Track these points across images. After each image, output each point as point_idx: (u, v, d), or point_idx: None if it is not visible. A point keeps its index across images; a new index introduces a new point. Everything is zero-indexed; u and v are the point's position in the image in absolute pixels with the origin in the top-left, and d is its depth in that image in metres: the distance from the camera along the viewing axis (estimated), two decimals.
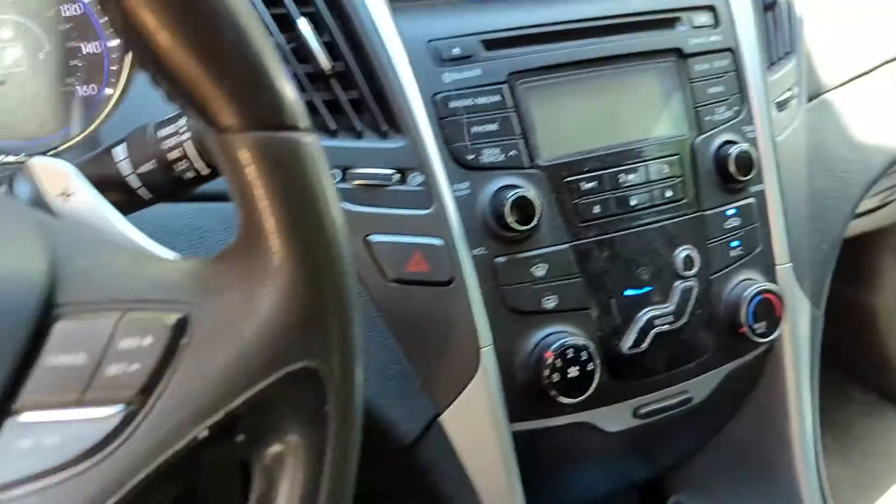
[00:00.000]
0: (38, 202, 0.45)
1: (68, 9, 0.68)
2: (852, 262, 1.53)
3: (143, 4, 0.32)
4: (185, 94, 0.34)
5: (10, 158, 0.63)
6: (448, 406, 0.63)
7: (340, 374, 0.36)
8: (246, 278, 0.35)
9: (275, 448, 0.36)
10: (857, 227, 1.14)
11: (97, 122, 0.65)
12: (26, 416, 0.33)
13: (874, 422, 1.51)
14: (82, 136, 0.64)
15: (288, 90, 0.35)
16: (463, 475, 0.64)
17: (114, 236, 0.42)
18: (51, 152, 0.65)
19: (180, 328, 0.34)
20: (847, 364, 1.56)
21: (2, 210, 0.40)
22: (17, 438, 0.33)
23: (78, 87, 0.68)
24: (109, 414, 0.33)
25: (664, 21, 0.71)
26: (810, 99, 0.81)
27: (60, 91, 0.66)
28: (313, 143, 0.36)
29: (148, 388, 0.33)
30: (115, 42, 0.68)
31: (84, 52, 0.68)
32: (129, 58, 0.65)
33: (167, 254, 0.40)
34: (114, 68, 0.68)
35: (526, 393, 0.64)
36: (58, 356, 0.33)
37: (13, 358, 0.33)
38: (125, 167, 0.48)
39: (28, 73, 0.67)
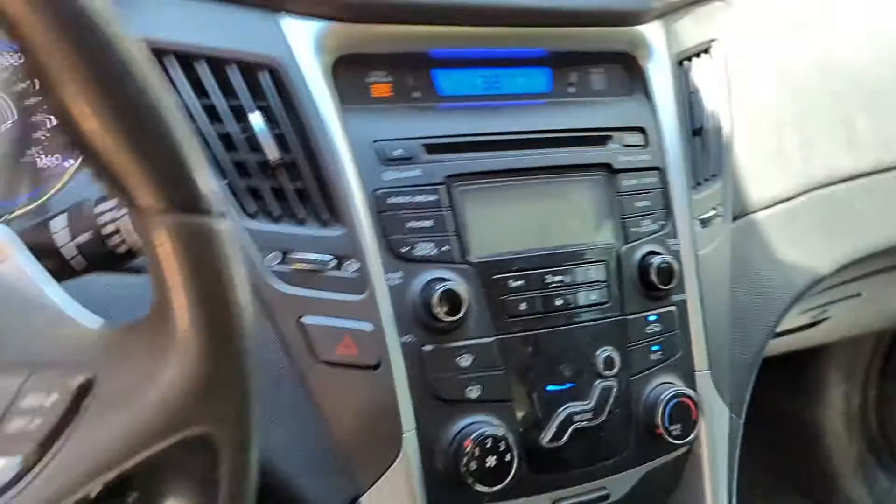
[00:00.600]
0: None
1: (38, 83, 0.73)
2: (798, 378, 1.57)
3: (75, 94, 0.36)
4: (110, 175, 0.38)
5: None
6: (368, 488, 0.65)
7: (235, 442, 0.39)
8: (152, 348, 0.38)
9: None
10: (793, 343, 1.18)
11: (51, 192, 0.69)
12: None
13: None
14: (34, 204, 0.68)
15: (204, 178, 0.39)
16: None
17: (40, 300, 0.45)
18: (4, 217, 0.68)
19: (84, 389, 0.37)
20: (790, 477, 1.58)
21: None
22: None
23: (38, 159, 0.72)
24: (5, 465, 0.36)
25: (597, 139, 0.77)
26: (736, 218, 0.86)
27: (20, 161, 0.70)
28: (224, 229, 0.39)
29: (46, 444, 0.36)
30: None
31: (48, 126, 0.73)
32: None
33: (88, 320, 0.42)
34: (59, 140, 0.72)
35: (445, 481, 0.66)
36: None
37: None
38: (63, 237, 0.51)
39: None
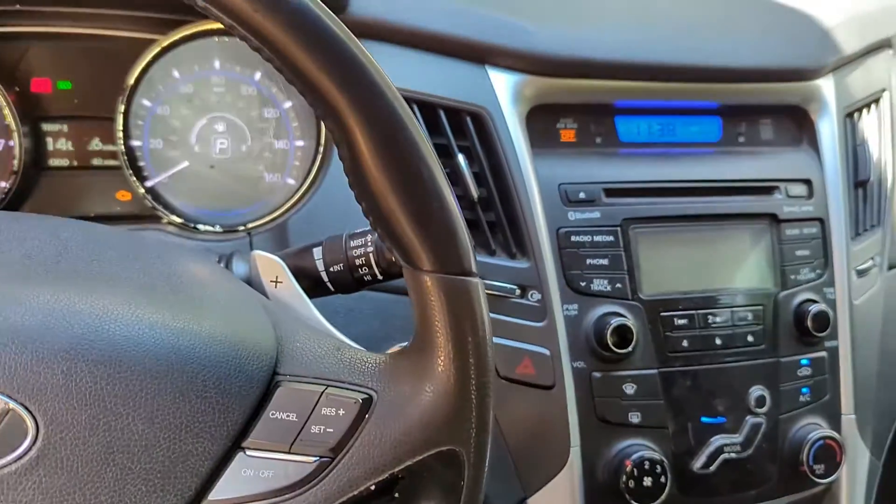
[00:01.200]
0: (252, 283, 0.59)
1: (268, 112, 0.85)
2: None
3: (378, 177, 0.45)
4: (395, 240, 0.47)
5: (217, 228, 0.79)
6: (535, 492, 0.73)
7: (475, 458, 0.48)
8: (416, 375, 0.47)
9: None
10: None
11: (283, 208, 0.80)
12: (251, 453, 0.46)
13: None
14: (273, 217, 0.80)
15: (467, 245, 0.48)
16: None
17: (311, 321, 0.55)
18: (241, 227, 0.80)
19: (366, 405, 0.47)
20: None
21: (237, 288, 0.54)
22: (243, 467, 0.45)
23: (266, 174, 0.84)
24: (309, 461, 0.46)
25: (763, 189, 0.82)
26: (892, 267, 0.89)
27: (254, 177, 0.82)
28: (479, 285, 0.48)
29: (338, 448, 0.46)
30: (300, 142, 0.84)
31: (275, 148, 0.85)
32: (318, 158, 0.81)
33: (352, 344, 0.52)
34: (296, 163, 0.84)
35: (603, 493, 0.74)
36: (277, 413, 0.46)
37: (247, 409, 0.46)
38: (319, 265, 0.62)
39: (232, 161, 0.83)
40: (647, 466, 0.72)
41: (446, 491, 0.48)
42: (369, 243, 0.61)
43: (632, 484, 0.72)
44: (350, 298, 0.75)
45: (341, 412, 0.46)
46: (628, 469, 0.72)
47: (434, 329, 0.47)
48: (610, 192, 0.77)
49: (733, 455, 0.77)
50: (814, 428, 0.79)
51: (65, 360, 0.42)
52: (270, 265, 0.59)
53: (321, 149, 0.82)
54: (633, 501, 0.72)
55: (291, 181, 0.84)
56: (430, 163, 0.46)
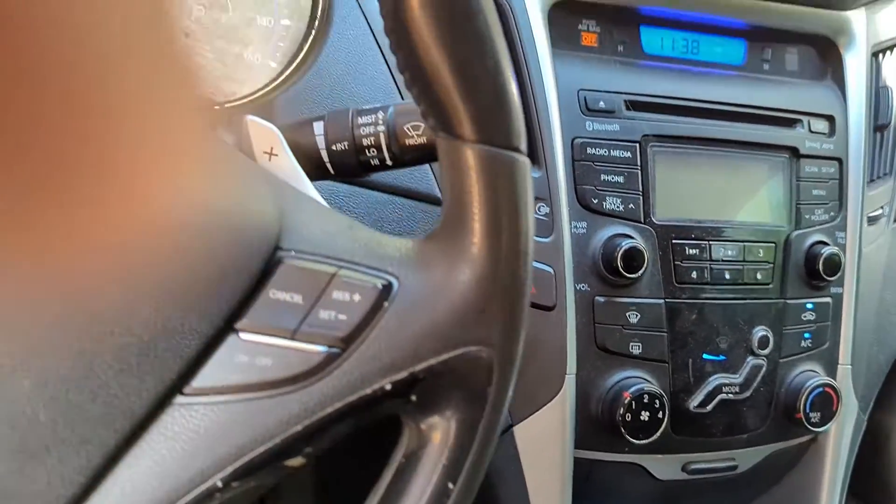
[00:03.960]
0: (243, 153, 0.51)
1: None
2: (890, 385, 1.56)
3: (422, 20, 0.38)
4: (435, 102, 0.39)
5: None
6: (523, 420, 0.68)
7: (504, 362, 0.41)
8: (446, 261, 0.40)
9: (436, 415, 0.41)
10: None
11: (268, 88, 0.71)
12: (246, 336, 0.38)
13: None
14: (253, 98, 0.70)
15: (519, 119, 0.40)
16: (521, 486, 0.69)
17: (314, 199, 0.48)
18: (216, 106, 0.71)
19: (385, 292, 0.40)
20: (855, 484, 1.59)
21: (229, 150, 0.45)
22: (236, 352, 0.38)
23: (245, 53, 0.75)
24: (315, 351, 0.38)
25: (786, 120, 0.77)
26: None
27: (233, 53, 0.73)
28: (526, 165, 0.41)
29: (350, 338, 0.39)
30: (286, 21, 0.74)
31: (258, 24, 0.75)
32: (309, 39, 0.71)
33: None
34: (280, 44, 0.74)
35: (596, 425, 0.69)
36: (278, 293, 0.39)
37: (243, 286, 0.38)
38: (320, 142, 0.54)
39: (208, 32, 0.73)
40: (645, 400, 0.67)
41: (470, 397, 0.41)
42: (380, 122, 0.53)
43: (629, 417, 0.67)
44: (337, 196, 0.68)
45: (356, 297, 0.39)
46: (626, 401, 0.67)
47: (470, 209, 0.40)
48: (631, 105, 0.71)
49: (730, 396, 0.73)
50: (812, 375, 0.75)
51: None
52: (265, 134, 0.51)
53: (313, 29, 0.73)
54: (627, 436, 0.67)
55: (273, 64, 0.74)
56: (488, 14, 0.39)
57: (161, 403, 0.36)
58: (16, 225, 0.25)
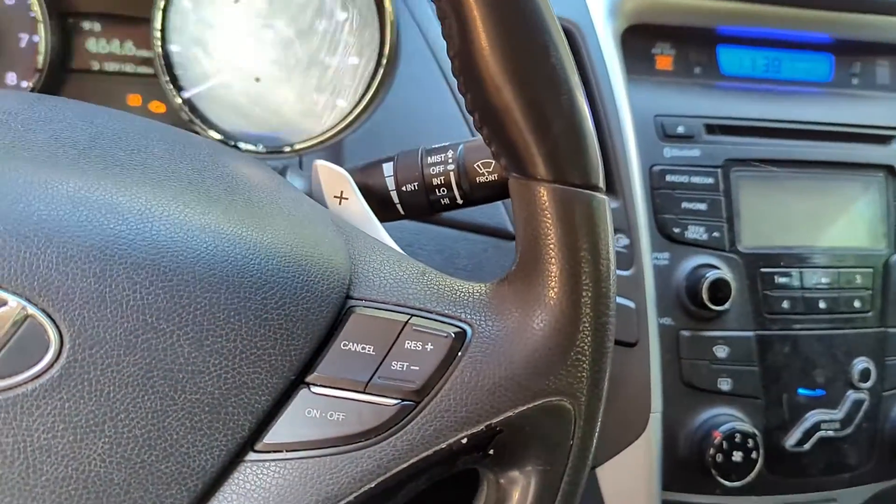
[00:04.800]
0: (313, 199, 0.50)
1: (321, 24, 0.75)
2: None
3: (491, 60, 0.36)
4: (507, 142, 0.38)
5: (261, 148, 0.71)
6: (606, 460, 0.65)
7: (587, 413, 0.39)
8: (522, 307, 0.39)
9: (515, 469, 0.39)
10: None
11: (337, 129, 0.71)
12: (317, 390, 0.37)
13: None
14: (323, 139, 0.71)
15: (595, 154, 0.39)
16: None
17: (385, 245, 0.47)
18: (287, 148, 0.72)
19: (460, 341, 0.38)
20: None
21: (301, 197, 0.45)
22: (308, 406, 0.37)
23: (315, 95, 0.75)
24: (388, 404, 0.37)
25: (879, 137, 0.73)
26: None
27: (302, 95, 0.73)
28: (605, 203, 0.39)
29: (424, 390, 0.37)
30: (354, 59, 0.74)
31: (327, 64, 0.75)
32: (377, 78, 0.71)
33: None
34: (348, 83, 0.75)
35: (684, 465, 0.66)
36: (350, 344, 0.38)
37: (314, 337, 0.37)
38: (390, 183, 0.53)
39: (279, 76, 0.74)
40: (737, 439, 0.64)
41: (551, 450, 0.39)
42: (450, 160, 0.52)
43: (719, 458, 0.63)
44: (409, 233, 0.67)
45: (429, 347, 0.38)
46: (716, 441, 0.63)
47: (546, 251, 0.38)
48: (711, 129, 0.68)
49: (830, 433, 0.68)
50: None
51: (98, 259, 0.34)
52: (335, 178, 0.50)
53: (381, 67, 0.72)
54: (719, 477, 0.64)
55: (342, 102, 0.74)
56: (560, 47, 0.37)
57: (233, 461, 0.36)
58: None
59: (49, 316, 0.33)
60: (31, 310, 0.33)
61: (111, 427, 0.33)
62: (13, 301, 0.32)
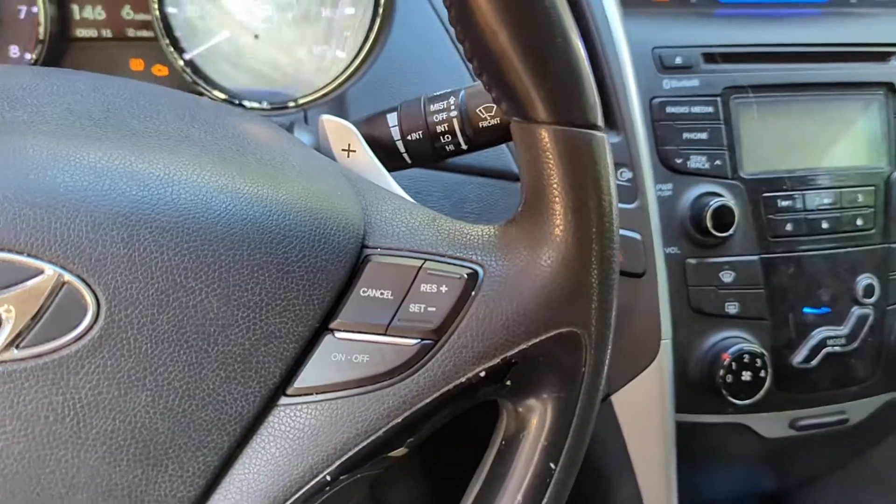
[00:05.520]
0: (322, 153, 0.52)
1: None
2: None
3: (486, 6, 0.37)
4: (506, 87, 0.39)
5: (265, 105, 0.72)
6: (621, 388, 0.68)
7: (598, 341, 0.41)
8: (529, 245, 0.40)
9: (532, 398, 0.42)
10: None
11: (338, 80, 0.72)
12: (341, 335, 0.39)
13: None
14: (326, 92, 0.72)
15: (593, 94, 0.40)
16: (624, 453, 0.69)
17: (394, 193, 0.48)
18: (291, 103, 0.73)
19: (472, 281, 0.40)
20: None
21: (310, 153, 0.46)
22: (333, 351, 0.39)
23: (314, 47, 0.76)
24: (409, 344, 0.39)
25: (878, 55, 0.73)
26: None
27: (302, 48, 0.74)
28: (604, 141, 0.41)
29: (441, 329, 0.39)
30: (350, 9, 0.75)
31: (323, 16, 0.76)
32: (374, 28, 0.72)
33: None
34: (347, 34, 0.75)
35: (696, 388, 0.68)
36: (369, 290, 0.40)
37: (334, 286, 0.39)
38: (395, 133, 0.54)
39: (277, 31, 0.74)
40: (746, 360, 0.66)
41: (565, 378, 0.41)
42: (452, 107, 0.53)
43: (729, 378, 0.66)
44: (417, 179, 0.68)
45: (444, 289, 0.40)
46: (726, 363, 0.66)
47: (550, 191, 0.40)
48: (709, 58, 0.68)
49: (837, 349, 0.70)
50: None
51: (125, 226, 0.35)
52: (341, 131, 0.51)
53: (378, 16, 0.73)
54: (729, 397, 0.66)
55: (342, 53, 0.75)
56: None
57: (267, 406, 0.38)
58: None
59: (84, 281, 0.35)
60: (68, 276, 0.34)
61: (152, 381, 0.35)
62: (50, 269, 0.34)
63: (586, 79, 0.39)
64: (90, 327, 0.35)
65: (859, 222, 0.71)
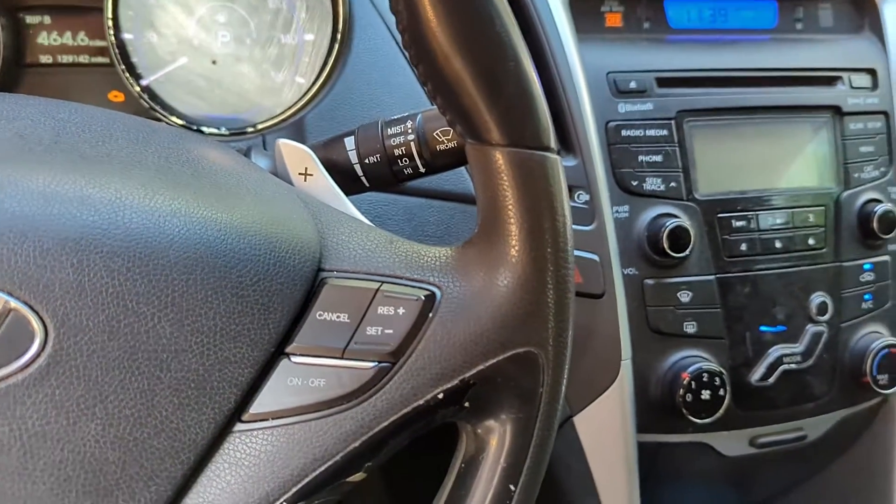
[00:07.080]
0: (279, 177, 0.52)
1: (273, 2, 0.76)
2: None
3: (439, 31, 0.38)
4: (460, 109, 0.39)
5: (224, 131, 0.71)
6: (582, 409, 0.68)
7: (555, 361, 0.41)
8: (486, 267, 0.41)
9: (491, 419, 0.42)
10: None
11: (297, 106, 0.72)
12: (297, 359, 0.39)
13: None
14: (285, 117, 0.71)
15: (545, 116, 0.40)
16: (587, 474, 0.69)
17: (352, 217, 0.48)
18: (249, 129, 0.72)
19: (430, 303, 0.40)
20: None
21: (266, 177, 0.46)
22: (289, 376, 0.39)
23: (273, 73, 0.76)
24: (366, 367, 0.39)
25: (825, 79, 0.75)
26: None
27: (260, 74, 0.74)
28: (557, 163, 0.41)
29: (399, 351, 0.39)
30: (309, 36, 0.75)
31: (282, 42, 0.76)
32: (332, 53, 0.72)
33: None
34: (305, 59, 0.75)
35: (657, 408, 0.68)
36: (325, 314, 0.40)
37: (290, 310, 0.39)
38: (352, 156, 0.54)
39: (236, 57, 0.74)
40: (705, 379, 0.67)
41: (523, 398, 0.41)
42: (410, 130, 0.53)
43: (689, 398, 0.66)
44: (378, 204, 0.68)
45: (401, 311, 0.40)
46: (685, 382, 0.66)
47: (505, 213, 0.40)
48: (662, 82, 0.70)
49: (793, 366, 0.72)
50: (877, 336, 0.73)
51: (74, 251, 0.35)
52: (298, 155, 0.51)
53: (336, 42, 0.73)
54: (690, 416, 0.67)
55: (301, 80, 0.75)
56: (504, 15, 0.39)
57: (222, 432, 0.37)
58: None
59: (32, 308, 0.34)
60: (14, 303, 0.34)
61: (102, 409, 0.35)
62: None
63: (539, 101, 0.40)
64: (37, 355, 0.34)
65: (811, 241, 0.72)
